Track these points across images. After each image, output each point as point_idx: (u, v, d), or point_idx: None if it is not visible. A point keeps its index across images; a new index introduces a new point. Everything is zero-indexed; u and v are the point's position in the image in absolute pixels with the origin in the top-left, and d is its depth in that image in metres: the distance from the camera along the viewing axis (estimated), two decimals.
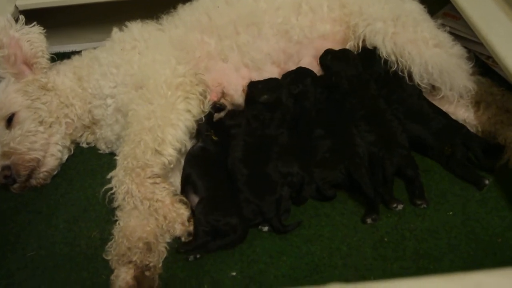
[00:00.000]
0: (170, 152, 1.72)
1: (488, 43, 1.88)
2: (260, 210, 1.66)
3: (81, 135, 2.12)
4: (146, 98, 1.81)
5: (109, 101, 1.97)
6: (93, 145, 2.15)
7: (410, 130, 1.90)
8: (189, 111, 1.82)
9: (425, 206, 1.71)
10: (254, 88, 1.99)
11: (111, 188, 1.71)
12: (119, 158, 1.73)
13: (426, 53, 1.91)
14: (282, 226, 1.65)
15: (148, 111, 1.77)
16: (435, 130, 1.88)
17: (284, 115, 1.92)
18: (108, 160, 2.05)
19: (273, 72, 2.07)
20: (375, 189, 1.71)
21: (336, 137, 1.83)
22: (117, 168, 1.71)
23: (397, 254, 1.58)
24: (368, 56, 2.03)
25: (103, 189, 1.74)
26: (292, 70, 2.05)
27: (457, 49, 1.98)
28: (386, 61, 1.97)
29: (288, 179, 1.73)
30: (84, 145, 2.15)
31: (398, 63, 1.94)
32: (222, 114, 2.01)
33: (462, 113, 1.98)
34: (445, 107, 1.99)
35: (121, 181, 1.67)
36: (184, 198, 1.70)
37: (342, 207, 1.75)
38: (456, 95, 1.96)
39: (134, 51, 1.99)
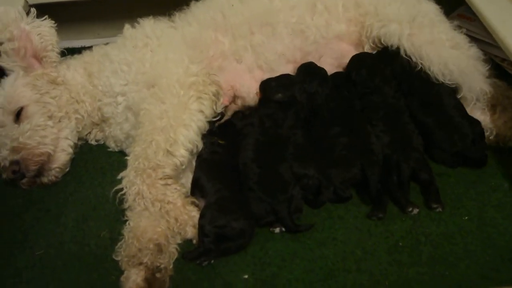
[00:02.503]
0: (182, 153, 1.69)
1: (506, 46, 1.84)
2: (272, 209, 1.63)
3: (90, 132, 2.09)
4: (158, 97, 1.78)
5: (119, 99, 1.94)
6: (102, 142, 2.12)
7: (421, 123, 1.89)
8: (201, 111, 1.79)
9: (440, 210, 1.69)
10: (267, 86, 1.96)
11: (122, 189, 1.68)
12: (130, 159, 1.70)
13: (444, 53, 1.88)
14: (294, 225, 1.63)
15: (161, 110, 1.74)
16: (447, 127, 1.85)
17: (298, 113, 1.90)
18: (118, 159, 2.03)
19: (287, 71, 2.04)
20: (390, 192, 1.69)
21: (352, 134, 1.81)
22: (128, 169, 1.69)
23: (413, 259, 1.56)
24: (387, 54, 2.01)
25: (113, 190, 1.71)
26: (302, 65, 2.02)
27: (474, 51, 1.95)
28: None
29: (304, 182, 1.70)
30: (93, 143, 2.12)
31: (417, 64, 1.91)
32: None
33: (478, 116, 1.94)
34: None
35: (132, 182, 1.65)
36: (195, 200, 1.67)
37: (356, 210, 1.73)
38: (474, 97, 1.92)
39: (146, 48, 1.96)
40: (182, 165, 1.70)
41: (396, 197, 1.70)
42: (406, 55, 1.93)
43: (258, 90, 2.01)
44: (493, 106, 1.96)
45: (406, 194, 1.72)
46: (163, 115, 1.73)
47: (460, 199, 1.74)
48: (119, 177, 1.71)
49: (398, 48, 1.97)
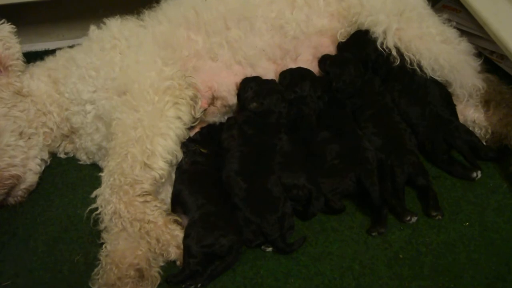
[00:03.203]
0: (160, 165, 1.55)
1: (499, 39, 1.75)
2: (261, 231, 1.51)
3: (59, 145, 1.92)
4: (130, 105, 1.62)
5: (88, 107, 1.78)
6: (72, 155, 1.95)
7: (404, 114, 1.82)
8: (179, 118, 1.65)
9: (440, 217, 1.59)
10: (244, 90, 1.82)
11: (96, 208, 1.53)
12: (104, 175, 1.55)
13: (434, 48, 1.79)
14: (287, 246, 1.51)
15: (134, 119, 1.59)
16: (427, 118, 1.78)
17: (279, 119, 1.76)
18: (90, 172, 1.87)
19: (268, 68, 1.91)
20: (384, 200, 1.58)
21: (343, 140, 1.70)
22: (102, 186, 1.53)
23: (414, 271, 1.46)
24: (359, 39, 1.90)
25: (87, 210, 1.56)
26: (289, 70, 1.89)
27: (465, 46, 1.86)
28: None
29: (293, 192, 1.58)
30: (62, 156, 1.95)
31: (404, 57, 1.81)
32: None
33: (471, 113, 1.86)
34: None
35: (107, 200, 1.50)
36: (178, 218, 1.53)
37: (350, 220, 1.62)
38: (466, 94, 1.83)
39: (115, 51, 1.80)
40: (161, 178, 1.56)
41: (391, 205, 1.59)
42: (389, 47, 1.82)
43: (238, 84, 1.87)
44: (487, 103, 1.87)
45: (402, 201, 1.61)
46: (137, 125, 1.58)
47: (459, 203, 1.65)
48: (93, 195, 1.56)
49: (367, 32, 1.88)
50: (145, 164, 1.53)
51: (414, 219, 1.57)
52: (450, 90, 1.85)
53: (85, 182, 1.84)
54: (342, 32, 1.94)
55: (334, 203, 1.60)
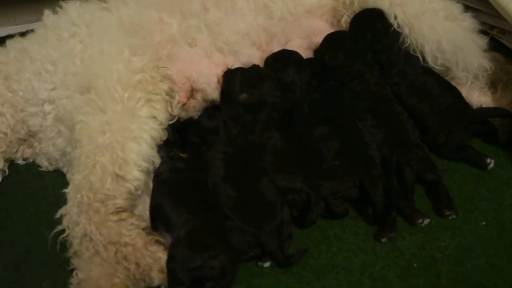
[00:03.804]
0: (135, 175, 1.33)
1: (508, 12, 1.58)
2: (257, 242, 1.32)
3: (16, 150, 1.67)
4: (96, 104, 1.39)
5: (47, 107, 1.54)
6: (32, 160, 1.70)
7: (411, 109, 1.62)
8: (154, 117, 1.42)
9: (454, 217, 1.43)
10: (230, 82, 1.60)
11: (64, 231, 1.30)
12: (69, 191, 1.32)
13: (437, 26, 1.60)
14: (286, 258, 1.32)
15: (101, 122, 1.36)
16: (437, 111, 1.60)
17: (270, 114, 1.56)
18: (53, 180, 1.64)
19: (253, 55, 1.70)
20: (392, 202, 1.40)
21: (342, 135, 1.51)
22: (68, 204, 1.31)
23: (431, 282, 1.30)
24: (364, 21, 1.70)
25: (52, 233, 1.33)
26: (271, 54, 1.68)
27: (470, 22, 1.69)
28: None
29: (289, 197, 1.39)
30: (20, 162, 1.70)
31: (408, 39, 1.64)
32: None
33: (477, 96, 1.70)
34: None
35: (75, 221, 1.27)
36: (160, 238, 1.31)
37: (354, 225, 1.44)
38: (470, 76, 1.66)
39: (74, 40, 1.55)
40: (137, 190, 1.34)
41: (400, 206, 1.42)
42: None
43: (220, 77, 1.65)
44: (493, 84, 1.71)
45: (412, 201, 1.45)
46: (105, 128, 1.35)
47: (472, 200, 1.49)
48: (58, 215, 1.33)
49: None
50: (117, 175, 1.31)
51: (426, 221, 1.41)
52: (449, 75, 1.70)
53: (49, 192, 1.60)
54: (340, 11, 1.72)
55: (336, 206, 1.42)
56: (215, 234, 1.31)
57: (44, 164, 1.65)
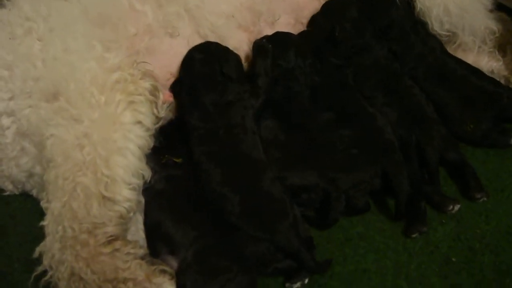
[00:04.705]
0: (125, 195, 1.12)
1: None
2: (277, 247, 1.14)
3: None
4: (68, 113, 1.17)
5: (5, 121, 1.29)
6: None
7: (430, 95, 1.45)
8: (139, 122, 1.21)
9: (485, 199, 1.31)
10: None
11: (45, 272, 1.08)
12: (47, 223, 1.10)
13: None
14: (314, 262, 1.15)
15: (77, 134, 1.14)
16: (462, 96, 1.44)
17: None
18: (21, 205, 1.41)
19: (241, 39, 1.51)
20: (419, 189, 1.25)
21: (352, 121, 1.34)
22: (48, 240, 1.09)
23: (475, 278, 1.17)
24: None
25: (32, 277, 1.10)
26: (265, 38, 1.48)
27: None
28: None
29: (304, 197, 1.23)
30: None
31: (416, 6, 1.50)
32: None
33: (486, 62, 1.58)
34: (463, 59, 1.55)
35: (59, 260, 1.06)
36: (164, 267, 1.10)
37: (378, 221, 1.29)
38: (477, 41, 1.52)
39: (31, 38, 1.30)
40: (129, 212, 1.14)
41: (427, 193, 1.27)
42: None
43: None
44: (501, 47, 1.58)
45: (438, 186, 1.31)
46: (83, 142, 1.13)
47: (498, 177, 1.38)
48: (36, 254, 1.10)
49: None
50: (104, 197, 1.10)
51: (457, 207, 1.28)
52: (456, 41, 1.55)
53: (17, 220, 1.37)
54: None
55: (358, 200, 1.26)
56: (228, 251, 1.13)
57: (9, 187, 1.40)
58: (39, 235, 1.14)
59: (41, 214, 1.17)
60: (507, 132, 1.41)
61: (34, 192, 1.36)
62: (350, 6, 1.51)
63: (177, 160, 1.28)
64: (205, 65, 1.37)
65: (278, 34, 1.47)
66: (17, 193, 1.41)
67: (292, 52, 1.42)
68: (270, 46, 1.40)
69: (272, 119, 1.37)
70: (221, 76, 1.35)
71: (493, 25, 1.53)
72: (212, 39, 1.44)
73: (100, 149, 1.13)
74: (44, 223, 1.11)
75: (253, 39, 1.49)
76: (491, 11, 1.56)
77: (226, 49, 1.42)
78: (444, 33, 1.52)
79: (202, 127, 1.31)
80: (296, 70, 1.42)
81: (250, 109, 1.35)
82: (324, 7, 1.53)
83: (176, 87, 1.40)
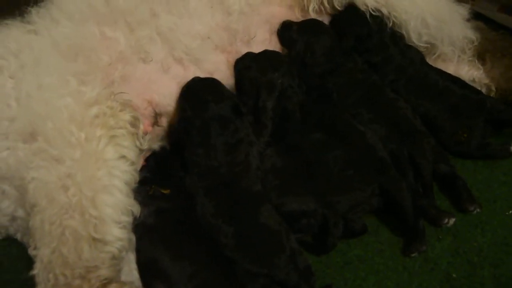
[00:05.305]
0: (116, 235, 1.07)
1: None
2: (275, 281, 1.11)
3: None
4: (48, 154, 1.12)
5: None
6: None
7: (416, 108, 1.44)
8: (123, 157, 1.17)
9: (478, 210, 1.29)
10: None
11: None
12: (37, 272, 1.04)
13: (419, 1, 1.45)
14: None
15: (60, 176, 1.09)
16: (448, 106, 1.43)
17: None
18: (6, 251, 1.33)
19: (218, 61, 1.47)
20: (416, 204, 1.24)
21: (343, 141, 1.32)
22: None
23: None
24: (345, 16, 1.53)
25: None
26: (249, 56, 1.45)
27: None
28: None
29: (303, 222, 1.20)
30: None
31: (390, 19, 1.49)
32: None
33: (467, 72, 1.59)
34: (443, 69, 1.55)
35: None
36: None
37: (376, 241, 1.27)
38: (457, 51, 1.53)
39: (2, 76, 1.25)
40: (121, 252, 1.09)
41: (422, 207, 1.25)
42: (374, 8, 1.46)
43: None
44: (480, 55, 1.59)
45: (433, 200, 1.30)
46: (66, 183, 1.08)
47: (490, 187, 1.37)
48: None
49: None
50: (94, 239, 1.05)
51: (452, 220, 1.26)
52: (435, 53, 1.56)
53: (3, 267, 1.30)
54: None
55: (355, 223, 1.24)
56: (230, 283, 1.09)
57: None
58: (28, 284, 1.09)
59: (28, 260, 1.12)
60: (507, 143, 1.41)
61: (18, 236, 1.30)
62: (324, 33, 1.49)
63: (164, 191, 1.24)
64: (217, 104, 1.32)
65: (266, 53, 1.45)
66: (0, 238, 1.35)
67: (284, 68, 1.40)
68: (280, 82, 1.37)
69: (270, 146, 1.34)
70: (233, 114, 1.31)
71: (471, 34, 1.54)
72: (187, 62, 1.40)
73: (85, 189, 1.08)
74: (34, 272, 1.05)
75: (232, 60, 1.46)
76: (468, 20, 1.56)
77: (220, 85, 1.39)
78: (422, 45, 1.52)
79: (204, 164, 1.27)
80: (288, 90, 1.39)
81: (255, 145, 1.32)
82: (298, 27, 1.51)
83: (181, 125, 1.34)
